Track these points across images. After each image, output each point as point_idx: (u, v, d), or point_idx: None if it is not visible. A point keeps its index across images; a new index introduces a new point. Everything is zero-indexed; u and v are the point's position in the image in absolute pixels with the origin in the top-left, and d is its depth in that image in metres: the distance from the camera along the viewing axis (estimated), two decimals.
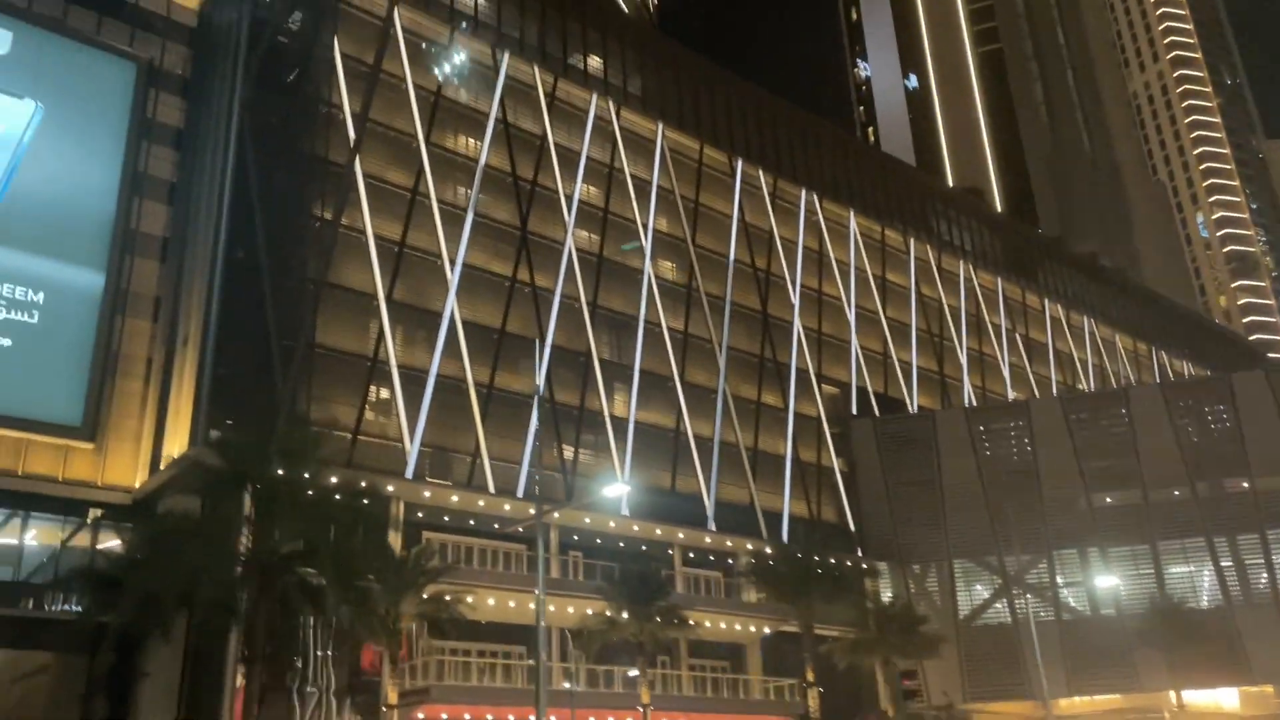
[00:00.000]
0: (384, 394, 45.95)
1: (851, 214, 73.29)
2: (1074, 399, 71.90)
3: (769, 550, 54.53)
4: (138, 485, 42.65)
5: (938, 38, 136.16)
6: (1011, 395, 79.11)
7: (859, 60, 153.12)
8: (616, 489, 26.56)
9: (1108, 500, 63.20)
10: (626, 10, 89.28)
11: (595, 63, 61.39)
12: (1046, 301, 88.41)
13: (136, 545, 27.69)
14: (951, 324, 77.75)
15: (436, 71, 52.87)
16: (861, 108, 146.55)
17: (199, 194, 46.28)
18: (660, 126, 62.66)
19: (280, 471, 29.19)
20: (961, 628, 60.87)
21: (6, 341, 41.32)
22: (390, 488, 42.90)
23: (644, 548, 52.74)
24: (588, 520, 49.25)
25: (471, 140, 53.72)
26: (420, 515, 45.30)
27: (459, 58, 54.08)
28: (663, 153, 62.27)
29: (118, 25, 49.00)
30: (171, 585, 23.88)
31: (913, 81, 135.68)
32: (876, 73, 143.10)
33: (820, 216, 70.96)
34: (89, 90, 46.85)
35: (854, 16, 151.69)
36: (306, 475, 29.93)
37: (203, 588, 23.73)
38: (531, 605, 45.14)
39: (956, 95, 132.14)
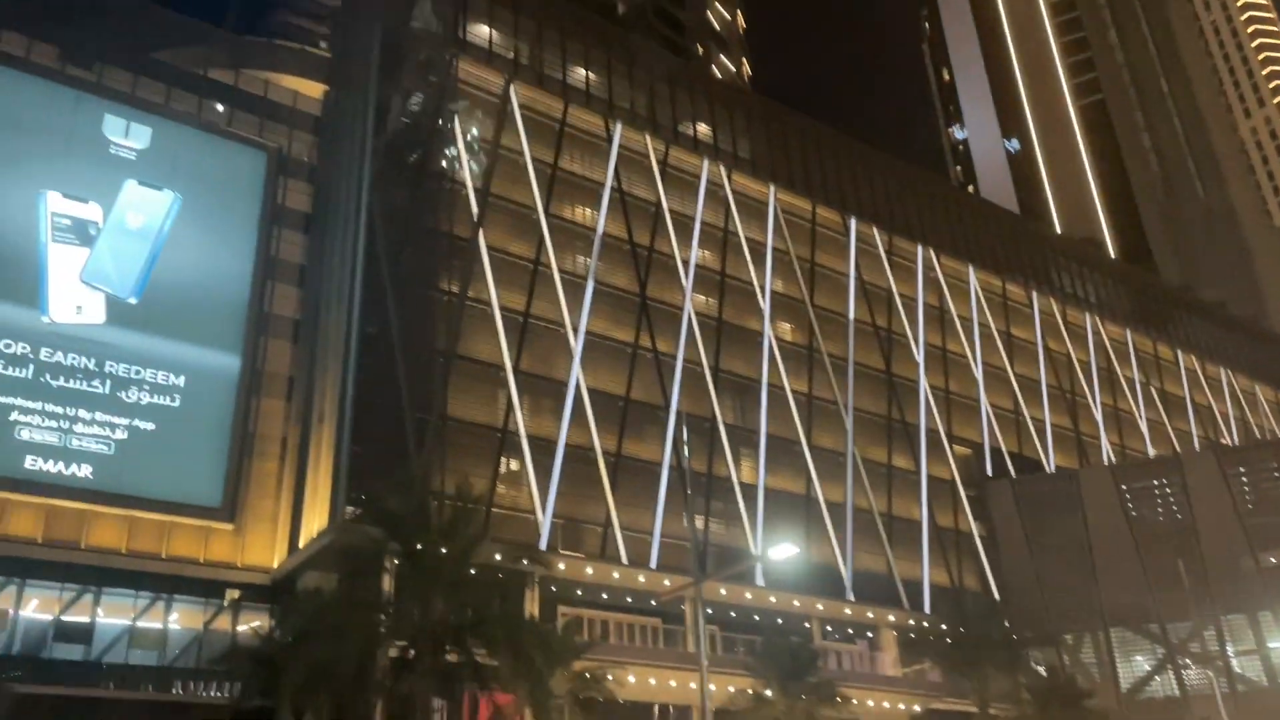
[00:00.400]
0: (514, 465, 45.22)
1: (970, 269, 71.05)
2: (1230, 452, 67.32)
3: (912, 621, 51.51)
4: (275, 565, 42.45)
5: (1036, 91, 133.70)
6: (1152, 451, 74.69)
7: (953, 123, 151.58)
8: (784, 550, 24.84)
9: (1272, 560, 58.37)
10: (720, 76, 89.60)
11: (704, 129, 61.29)
12: (1179, 353, 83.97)
13: (294, 624, 26.88)
14: (1083, 379, 74.19)
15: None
16: (958, 167, 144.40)
17: (329, 274, 46.95)
18: (772, 189, 61.95)
19: (421, 545, 28.44)
20: (1125, 702, 56.38)
21: (150, 425, 41.98)
22: (525, 560, 41.73)
23: (779, 620, 50.40)
24: (723, 592, 47.30)
25: (588, 210, 53.71)
26: (553, 589, 43.99)
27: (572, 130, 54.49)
28: (775, 214, 61.44)
29: (248, 117, 50.90)
30: (336, 663, 22.91)
31: (1014, 145, 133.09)
32: (973, 129, 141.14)
33: (939, 272, 68.93)
34: (223, 179, 48.36)
35: (945, 77, 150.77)
36: (445, 550, 29.20)
37: (366, 665, 22.70)
38: (671, 682, 43.40)
39: (1060, 148, 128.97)
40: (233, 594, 42.08)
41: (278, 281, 48.56)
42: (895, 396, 61.77)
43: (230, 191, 48.33)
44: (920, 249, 68.57)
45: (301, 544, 40.85)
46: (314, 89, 54.24)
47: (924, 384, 63.50)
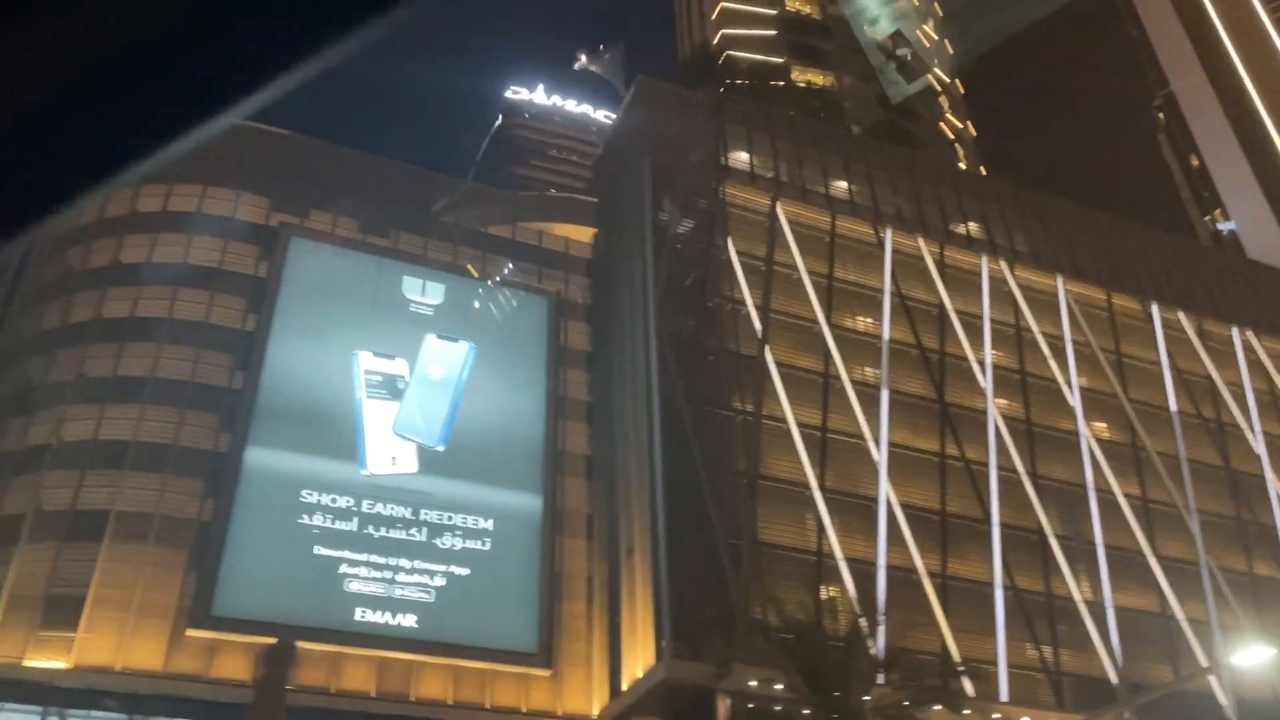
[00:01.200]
0: (831, 590, 41.61)
1: None
2: None
3: None
4: (595, 712, 40.24)
5: None
6: None
7: (1208, 210, 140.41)
8: (1257, 653, 19.92)
9: None
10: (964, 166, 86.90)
11: (975, 227, 58.18)
12: None
13: None
14: None
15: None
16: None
17: (621, 406, 46.36)
18: (1059, 280, 57.38)
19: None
20: None
21: (466, 570, 41.65)
22: (866, 697, 37.53)
23: None
24: None
25: (869, 318, 51.18)
26: None
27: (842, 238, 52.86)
28: (1068, 306, 56.62)
29: (528, 266, 52.38)
30: None
31: None
32: (1238, 214, 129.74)
33: (1262, 355, 61.07)
34: (511, 327, 49.50)
35: (1194, 163, 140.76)
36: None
37: None
38: None
39: None
40: None
41: (567, 419, 48.49)
42: (1242, 495, 53.89)
43: (519, 337, 49.32)
44: (1235, 331, 61.23)
45: (624, 686, 38.50)
46: (583, 233, 55.64)
47: (1272, 479, 55.20)
